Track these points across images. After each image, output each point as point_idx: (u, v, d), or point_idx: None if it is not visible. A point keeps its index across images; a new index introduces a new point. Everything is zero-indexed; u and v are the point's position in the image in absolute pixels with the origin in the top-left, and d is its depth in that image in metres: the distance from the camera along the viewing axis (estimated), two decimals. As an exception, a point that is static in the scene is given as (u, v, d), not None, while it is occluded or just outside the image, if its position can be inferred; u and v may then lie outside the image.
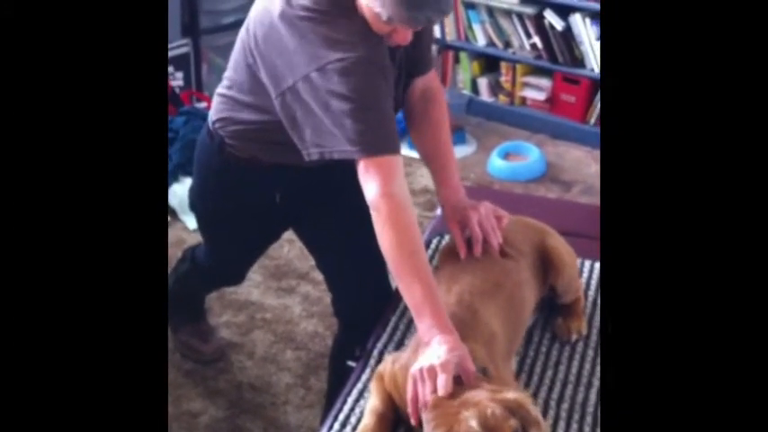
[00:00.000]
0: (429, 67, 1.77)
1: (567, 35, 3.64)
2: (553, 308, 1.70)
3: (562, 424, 1.45)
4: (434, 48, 3.84)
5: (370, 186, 1.45)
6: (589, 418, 1.46)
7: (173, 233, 3.04)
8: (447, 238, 1.97)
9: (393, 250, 1.43)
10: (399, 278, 1.44)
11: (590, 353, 1.62)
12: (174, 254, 2.90)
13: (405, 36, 1.50)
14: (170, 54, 3.67)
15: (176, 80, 3.75)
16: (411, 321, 1.63)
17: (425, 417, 1.26)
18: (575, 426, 1.45)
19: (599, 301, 1.75)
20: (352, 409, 1.47)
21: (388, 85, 1.52)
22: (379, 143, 1.45)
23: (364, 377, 1.53)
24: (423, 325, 1.38)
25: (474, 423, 1.18)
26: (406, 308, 1.68)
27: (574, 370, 1.58)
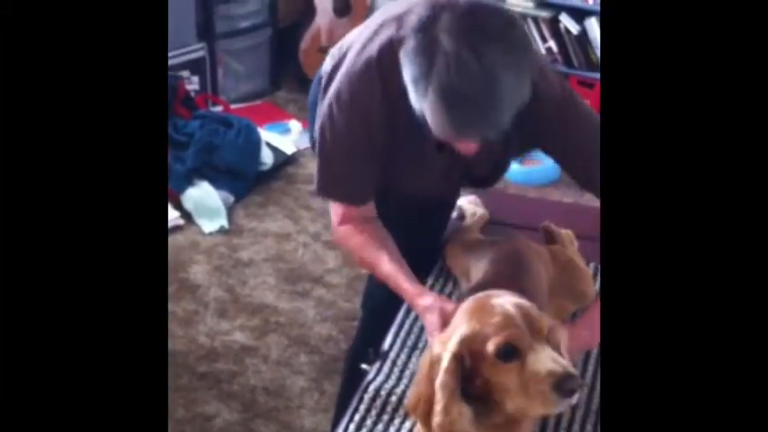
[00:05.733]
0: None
1: (583, 39, 3.63)
2: None
3: (576, 428, 1.44)
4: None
5: (332, 214, 1.64)
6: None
7: (187, 236, 3.05)
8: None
9: (358, 258, 1.64)
10: (371, 269, 1.62)
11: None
12: (189, 257, 2.91)
13: (467, 148, 1.43)
14: (185, 58, 3.69)
15: (192, 84, 3.77)
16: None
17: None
18: (589, 428, 1.44)
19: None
20: (368, 410, 1.47)
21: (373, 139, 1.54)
22: (330, 189, 1.60)
23: (379, 379, 1.53)
24: (406, 297, 1.53)
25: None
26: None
27: (589, 375, 1.57)
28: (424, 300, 1.48)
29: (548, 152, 1.63)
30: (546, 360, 1.15)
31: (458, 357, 1.21)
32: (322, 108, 1.57)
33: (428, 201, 1.75)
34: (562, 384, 1.13)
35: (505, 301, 1.22)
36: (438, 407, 1.20)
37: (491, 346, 1.18)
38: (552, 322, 1.23)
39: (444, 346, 1.23)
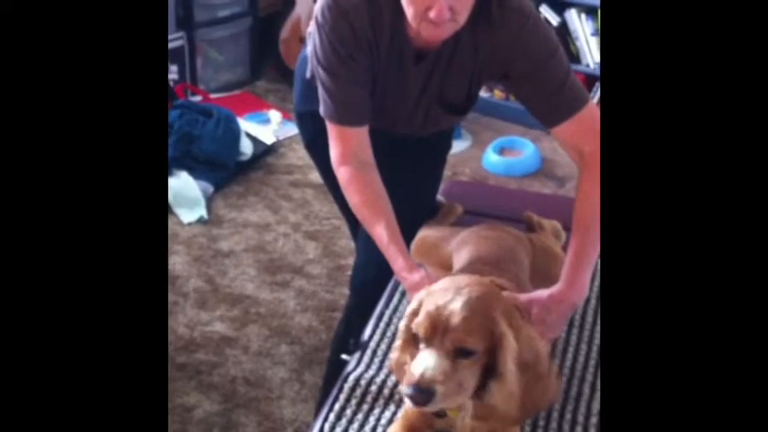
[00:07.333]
0: (560, 116, 1.62)
1: (563, 31, 3.64)
2: None
3: (555, 416, 1.45)
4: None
5: (332, 152, 1.64)
6: (583, 408, 1.46)
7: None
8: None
9: (355, 208, 1.62)
10: (366, 227, 1.61)
11: (583, 347, 1.62)
12: (168, 248, 2.90)
13: (440, 11, 1.43)
14: (164, 47, 3.67)
15: (171, 73, 3.74)
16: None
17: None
18: (568, 416, 1.45)
19: (591, 298, 1.75)
20: (348, 400, 1.47)
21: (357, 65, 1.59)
22: (336, 114, 1.61)
23: (359, 369, 1.54)
24: (396, 267, 1.56)
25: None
26: (399, 302, 1.69)
27: (568, 363, 1.58)
28: (413, 276, 1.51)
29: (508, 81, 1.66)
30: (416, 363, 1.23)
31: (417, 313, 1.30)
32: (312, 32, 1.61)
33: (407, 140, 1.80)
34: (409, 387, 1.21)
35: (444, 294, 1.27)
36: (396, 343, 1.34)
37: (413, 326, 1.28)
38: (460, 326, 1.24)
39: (419, 299, 1.32)
